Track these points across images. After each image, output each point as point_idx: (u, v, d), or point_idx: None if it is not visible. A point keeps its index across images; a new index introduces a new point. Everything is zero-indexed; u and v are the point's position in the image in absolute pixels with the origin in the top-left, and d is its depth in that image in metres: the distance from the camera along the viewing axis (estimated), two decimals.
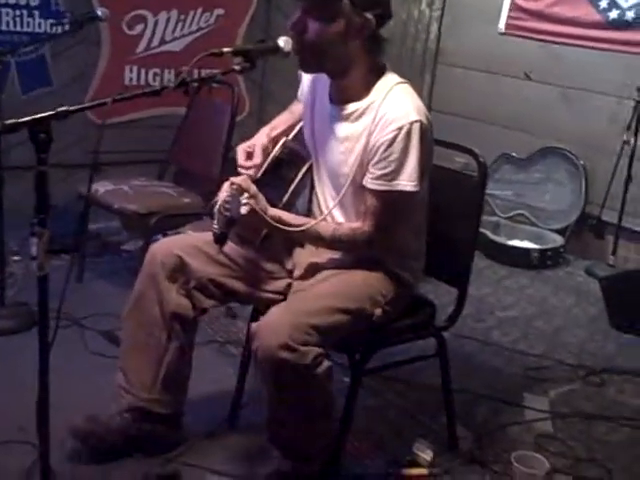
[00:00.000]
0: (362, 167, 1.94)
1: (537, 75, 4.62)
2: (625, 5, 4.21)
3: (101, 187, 3.33)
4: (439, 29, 5.10)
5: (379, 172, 1.89)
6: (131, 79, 4.40)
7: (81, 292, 3.23)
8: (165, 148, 3.72)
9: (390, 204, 1.91)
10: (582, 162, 4.38)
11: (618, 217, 4.07)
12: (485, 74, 4.88)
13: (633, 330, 3.42)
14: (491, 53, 4.82)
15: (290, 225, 1.94)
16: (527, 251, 4.28)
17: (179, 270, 2.08)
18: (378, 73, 1.96)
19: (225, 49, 1.83)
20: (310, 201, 2.16)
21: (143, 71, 4.41)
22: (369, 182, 1.92)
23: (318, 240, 2.01)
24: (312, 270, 2.07)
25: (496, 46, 4.78)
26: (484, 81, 4.89)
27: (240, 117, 4.17)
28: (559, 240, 4.36)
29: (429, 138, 1.90)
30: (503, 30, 4.76)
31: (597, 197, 4.29)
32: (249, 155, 2.09)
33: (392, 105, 1.88)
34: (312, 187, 2.14)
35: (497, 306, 3.67)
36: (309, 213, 2.14)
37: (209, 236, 2.06)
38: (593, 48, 4.33)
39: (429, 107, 5.09)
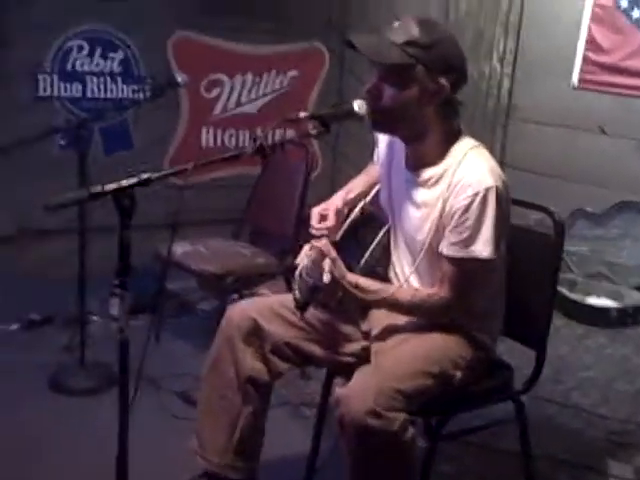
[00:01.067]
0: (438, 233, 1.93)
1: (611, 128, 4.55)
2: None
3: (179, 248, 3.41)
4: (511, 85, 5.09)
5: (455, 239, 1.88)
6: (208, 140, 4.53)
7: (158, 352, 3.26)
8: (241, 207, 3.79)
9: (466, 271, 1.89)
10: None
11: None
12: (559, 129, 4.83)
13: None
14: (564, 108, 4.78)
15: (368, 291, 1.94)
16: (606, 309, 4.17)
17: (254, 333, 2.10)
18: (453, 138, 1.96)
19: (301, 114, 1.87)
20: (387, 266, 2.16)
21: (220, 132, 4.54)
22: (445, 248, 1.91)
23: (395, 306, 2.00)
24: (390, 331, 2.05)
25: (569, 100, 4.74)
26: (558, 136, 4.83)
27: (313, 176, 4.22)
28: (639, 298, 4.23)
29: (505, 202, 1.89)
30: (576, 85, 4.72)
31: None
32: (323, 218, 2.11)
33: (467, 170, 1.88)
34: (389, 252, 2.14)
35: (576, 366, 3.57)
36: (386, 278, 2.14)
37: (285, 298, 2.08)
38: None
39: (502, 163, 5.05)
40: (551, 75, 4.83)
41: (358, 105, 1.92)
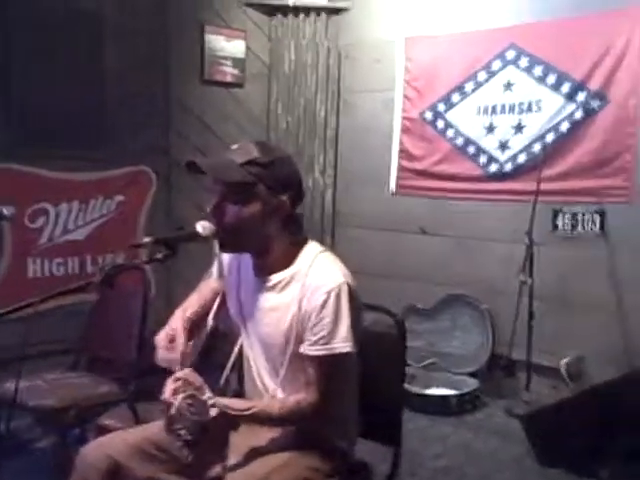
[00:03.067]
0: (297, 336, 1.96)
1: (431, 228, 4.92)
2: (502, 159, 4.61)
3: (13, 385, 3.22)
4: (333, 194, 5.39)
5: (314, 337, 1.92)
6: (35, 271, 4.38)
7: None
8: (77, 336, 3.66)
9: (330, 368, 1.93)
10: (485, 306, 4.62)
11: (526, 354, 4.24)
12: (382, 232, 5.15)
13: (560, 463, 3.47)
14: (385, 212, 5.12)
15: (238, 411, 1.92)
16: (445, 398, 4.37)
17: (114, 472, 1.98)
18: (299, 244, 2.04)
19: (146, 239, 1.89)
20: (240, 380, 2.15)
21: (47, 262, 4.41)
22: (306, 349, 1.93)
23: (266, 421, 1.98)
24: (250, 456, 2.02)
25: (389, 205, 5.09)
26: (382, 239, 5.15)
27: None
28: (474, 383, 4.48)
29: (357, 298, 1.97)
30: (394, 190, 5.09)
31: (504, 337, 4.47)
32: (171, 340, 2.07)
33: (319, 271, 1.95)
34: (240, 366, 2.15)
35: (427, 457, 3.69)
36: (240, 392, 2.13)
37: (142, 430, 2.02)
38: (480, 200, 4.70)
39: None
40: (370, 183, 5.18)
41: (202, 226, 1.97)
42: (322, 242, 5.13)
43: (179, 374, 1.85)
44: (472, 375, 4.57)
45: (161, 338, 2.06)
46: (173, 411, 1.78)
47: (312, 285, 1.93)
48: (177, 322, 2.12)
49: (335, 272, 1.94)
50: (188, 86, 4.98)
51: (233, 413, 1.91)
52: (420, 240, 4.96)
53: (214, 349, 2.11)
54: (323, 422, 2.01)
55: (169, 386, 1.85)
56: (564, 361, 4.25)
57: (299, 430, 2.03)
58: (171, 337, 2.07)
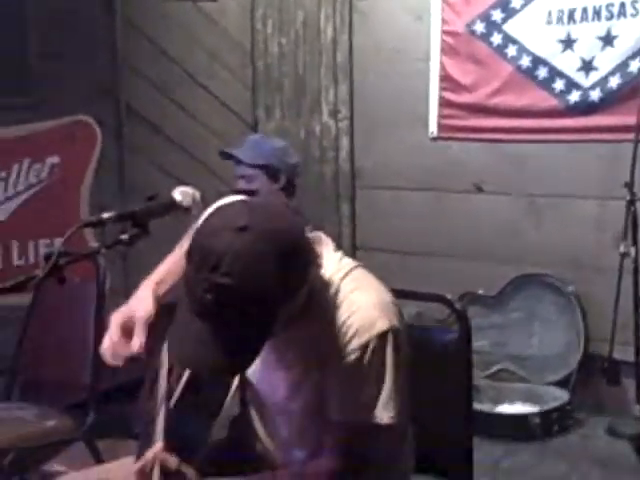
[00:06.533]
0: (319, 392, 1.96)
1: (491, 185, 4.90)
2: (586, 84, 4.58)
3: None
4: (351, 144, 5.36)
5: (343, 401, 1.92)
6: None
7: None
8: (3, 353, 3.66)
9: (362, 440, 1.93)
10: (571, 288, 4.60)
11: (635, 352, 4.23)
12: (421, 192, 5.12)
13: None
14: (425, 165, 5.09)
15: None
16: (524, 417, 4.36)
17: None
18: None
19: (105, 215, 1.88)
20: (247, 434, 2.15)
21: None
22: (332, 412, 1.94)
23: None
24: None
25: (430, 155, 5.06)
26: (421, 202, 5.13)
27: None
28: (563, 396, 4.46)
29: (405, 344, 1.94)
30: (435, 134, 5.05)
31: (601, 331, 4.46)
32: (127, 332, 2.02)
33: (350, 307, 1.93)
34: (245, 410, 2.14)
35: None
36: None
37: (105, 472, 2.04)
38: (557, 141, 4.67)
39: (354, 247, 5.25)
40: (401, 125, 5.15)
41: (181, 193, 1.98)
42: (337, 212, 5.27)
43: (149, 454, 1.84)
44: (559, 384, 4.55)
45: (117, 321, 2.00)
46: None
47: (340, 329, 1.90)
48: (142, 306, 2.04)
49: (376, 309, 1.91)
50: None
51: None
52: (476, 201, 4.94)
53: (206, 385, 2.06)
54: None
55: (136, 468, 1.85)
56: None
57: None
58: (127, 325, 2.00)
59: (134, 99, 4.88)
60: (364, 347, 1.86)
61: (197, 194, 2.04)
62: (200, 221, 1.92)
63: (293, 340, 1.96)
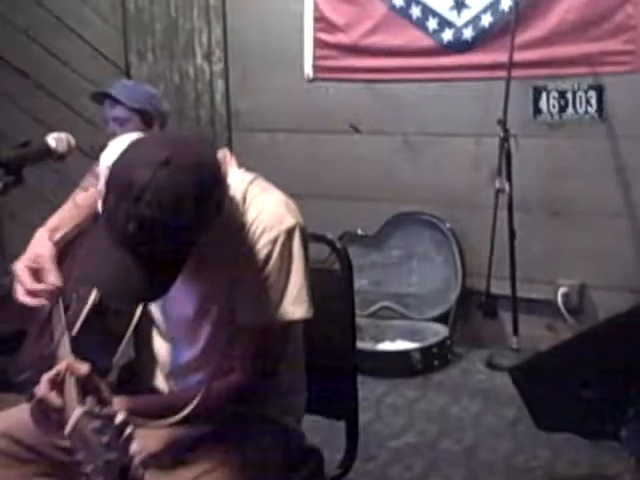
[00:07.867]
0: (226, 302, 1.99)
1: (367, 124, 4.92)
2: (459, 22, 4.61)
3: None
4: (226, 87, 5.31)
5: (254, 302, 1.95)
6: None
7: None
8: None
9: (274, 339, 2.00)
10: (448, 225, 4.68)
11: (511, 286, 4.34)
12: (298, 134, 5.11)
13: (564, 425, 3.58)
14: (301, 106, 5.06)
15: (153, 412, 1.92)
16: (405, 354, 4.43)
17: None
18: None
19: None
20: (136, 348, 2.16)
21: None
22: (241, 316, 1.97)
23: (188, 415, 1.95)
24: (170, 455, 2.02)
25: (306, 96, 5.04)
26: (298, 144, 5.12)
27: None
28: (442, 331, 4.56)
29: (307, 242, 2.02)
30: (311, 76, 5.03)
31: (478, 265, 4.56)
32: (35, 274, 2.03)
33: (256, 211, 1.98)
34: (137, 335, 2.13)
35: (387, 434, 3.76)
36: (136, 363, 2.17)
37: None
38: (432, 80, 4.70)
39: None
40: (277, 67, 5.10)
41: (55, 139, 1.96)
42: None
43: (61, 367, 1.81)
44: (439, 320, 4.65)
45: (21, 268, 2.04)
46: (69, 429, 1.68)
47: (249, 229, 1.95)
48: (43, 248, 2.10)
49: (283, 207, 1.98)
50: None
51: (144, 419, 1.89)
52: (352, 142, 4.95)
53: (108, 313, 2.06)
54: (261, 399, 2.07)
55: (48, 395, 1.76)
56: (561, 292, 4.40)
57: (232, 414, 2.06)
58: (35, 267, 2.04)
59: (2, 45, 4.73)
60: (273, 242, 1.94)
61: (72, 140, 2.03)
62: (105, 160, 1.94)
63: (205, 258, 1.97)
